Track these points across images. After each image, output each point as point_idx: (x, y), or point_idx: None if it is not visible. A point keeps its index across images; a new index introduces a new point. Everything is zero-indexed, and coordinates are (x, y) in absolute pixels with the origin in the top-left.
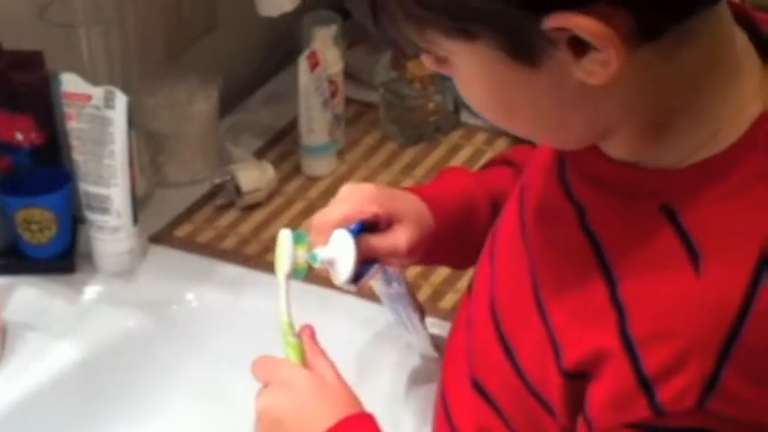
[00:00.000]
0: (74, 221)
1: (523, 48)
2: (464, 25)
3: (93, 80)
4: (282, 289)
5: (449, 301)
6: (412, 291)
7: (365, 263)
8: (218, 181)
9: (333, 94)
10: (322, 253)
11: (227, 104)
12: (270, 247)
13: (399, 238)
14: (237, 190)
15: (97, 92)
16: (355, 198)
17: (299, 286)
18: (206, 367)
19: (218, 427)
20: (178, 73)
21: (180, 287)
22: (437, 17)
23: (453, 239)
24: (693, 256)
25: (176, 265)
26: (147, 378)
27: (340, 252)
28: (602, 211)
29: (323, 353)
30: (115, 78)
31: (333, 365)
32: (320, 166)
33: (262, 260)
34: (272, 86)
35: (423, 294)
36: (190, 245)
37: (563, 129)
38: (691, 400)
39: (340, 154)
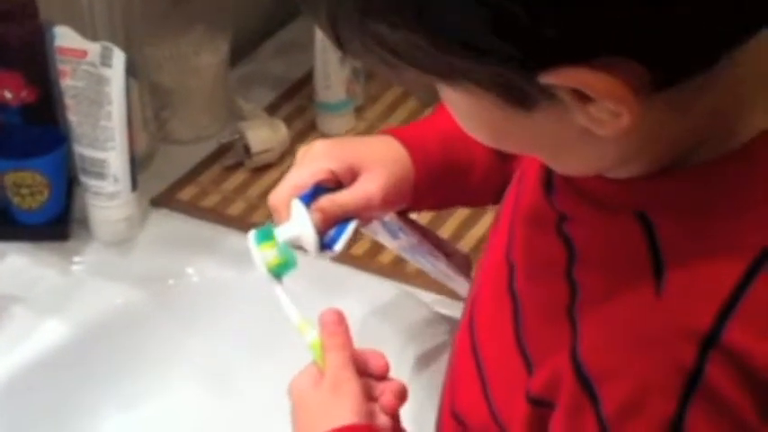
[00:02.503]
0: (69, 185)
1: (516, 97)
2: (444, 78)
3: (93, 28)
4: (277, 292)
5: None
6: (429, 234)
7: (340, 225)
8: (225, 140)
9: None
10: (280, 234)
11: (237, 54)
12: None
13: (368, 186)
14: (246, 150)
15: (93, 48)
16: (305, 161)
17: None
18: (207, 348)
19: (218, 413)
20: (184, 21)
21: (180, 259)
22: (408, 66)
23: (447, 176)
24: (657, 269)
25: (178, 232)
26: (143, 358)
27: (299, 226)
28: (580, 220)
29: (336, 346)
30: (116, 26)
31: (339, 365)
32: (337, 124)
33: None
34: (285, 34)
35: (413, 265)
36: (193, 209)
37: (559, 163)
38: None
39: (358, 111)
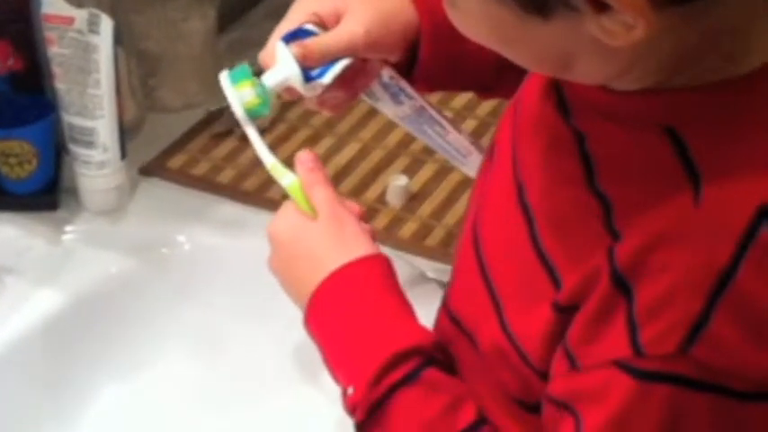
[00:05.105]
0: (57, 154)
1: (536, 5)
2: None
3: None
4: (250, 135)
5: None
6: (432, 105)
7: (328, 64)
8: (214, 107)
9: None
10: (267, 79)
11: (227, 19)
12: (271, 181)
13: (350, 23)
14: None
15: (80, 14)
16: (290, 12)
17: None
18: (200, 316)
19: (212, 382)
20: None
21: (171, 227)
22: None
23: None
24: (694, 181)
25: (168, 201)
26: (136, 327)
27: (284, 64)
28: (602, 138)
29: (318, 181)
30: None
31: (329, 197)
32: None
33: (262, 196)
34: None
35: (407, 230)
36: (183, 177)
37: (567, 72)
38: (673, 342)
39: None
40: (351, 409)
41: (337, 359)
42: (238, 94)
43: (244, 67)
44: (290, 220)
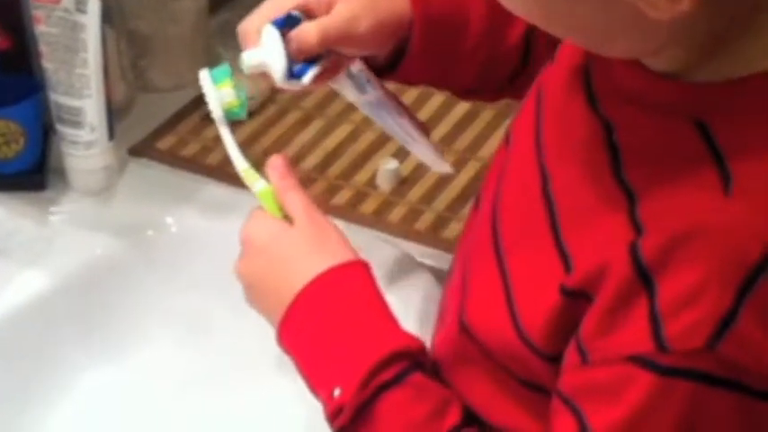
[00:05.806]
0: (45, 134)
1: None
2: None
3: None
4: (224, 136)
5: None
6: (398, 100)
7: (311, 60)
8: None
9: None
10: (248, 57)
11: (217, 0)
12: (260, 162)
13: (350, 9)
14: None
15: None
16: None
17: None
18: (186, 298)
19: (198, 364)
20: None
21: (159, 209)
22: None
23: (443, 27)
24: (724, 176)
25: (157, 182)
26: (122, 309)
27: (269, 51)
28: (630, 127)
29: (292, 187)
30: None
31: (305, 202)
32: None
33: None
34: None
35: (397, 214)
36: (173, 158)
37: (604, 45)
38: (701, 338)
39: None
40: (335, 412)
41: (321, 363)
42: (218, 93)
43: (225, 66)
44: (268, 224)
